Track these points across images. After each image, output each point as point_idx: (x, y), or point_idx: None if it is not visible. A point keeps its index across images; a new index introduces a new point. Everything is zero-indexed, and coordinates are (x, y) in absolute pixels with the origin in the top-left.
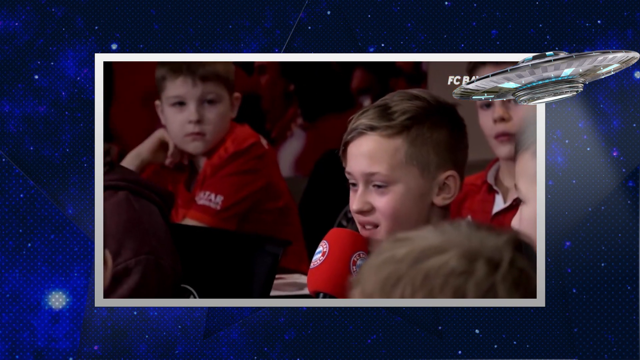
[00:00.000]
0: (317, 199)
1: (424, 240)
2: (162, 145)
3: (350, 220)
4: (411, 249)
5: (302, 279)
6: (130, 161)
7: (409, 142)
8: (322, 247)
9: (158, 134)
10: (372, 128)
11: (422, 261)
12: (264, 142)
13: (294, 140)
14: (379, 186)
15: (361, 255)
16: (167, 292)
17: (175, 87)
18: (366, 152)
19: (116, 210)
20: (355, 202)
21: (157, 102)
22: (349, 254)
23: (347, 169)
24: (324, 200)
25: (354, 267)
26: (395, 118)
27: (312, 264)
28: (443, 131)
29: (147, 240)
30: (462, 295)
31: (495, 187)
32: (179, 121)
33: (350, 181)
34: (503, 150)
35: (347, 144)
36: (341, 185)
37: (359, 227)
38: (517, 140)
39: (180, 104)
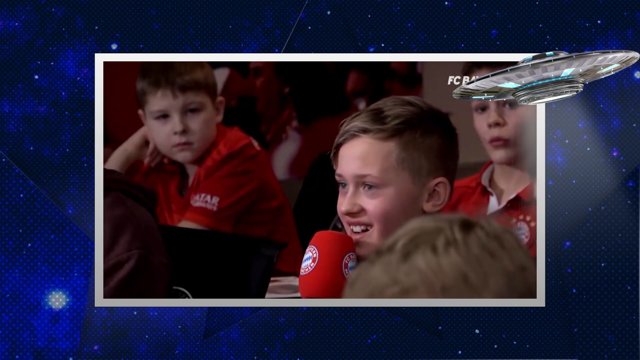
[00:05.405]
0: (313, 201)
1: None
2: (148, 141)
3: None
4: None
5: (296, 281)
6: (116, 157)
7: (401, 147)
8: (311, 252)
9: (143, 130)
10: (364, 130)
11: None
12: (255, 143)
13: (289, 142)
14: (369, 187)
15: (351, 256)
16: (158, 289)
17: (156, 101)
18: (358, 154)
19: (110, 209)
20: (344, 204)
21: (140, 112)
22: (339, 257)
23: (338, 170)
24: (319, 203)
25: (346, 269)
26: (388, 122)
27: (302, 270)
28: (435, 138)
29: (140, 235)
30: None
31: (489, 189)
32: (165, 133)
33: (340, 182)
34: (497, 154)
35: (339, 146)
36: (336, 188)
37: (347, 229)
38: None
39: (164, 116)
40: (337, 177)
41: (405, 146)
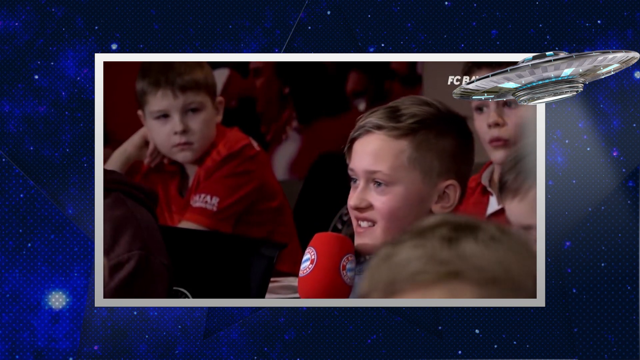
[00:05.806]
0: (313, 202)
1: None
2: (147, 142)
3: (346, 224)
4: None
5: (296, 281)
6: (116, 158)
7: (414, 146)
8: (310, 254)
9: (143, 131)
10: (379, 127)
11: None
12: (254, 143)
13: (289, 143)
14: (379, 184)
15: (349, 258)
16: (159, 290)
17: (156, 101)
18: (371, 150)
19: (110, 209)
20: (353, 198)
21: (139, 112)
22: (337, 258)
23: (351, 165)
24: (319, 204)
25: (344, 271)
26: (403, 120)
27: (301, 272)
28: (449, 140)
29: (140, 236)
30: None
31: (489, 189)
32: (165, 133)
33: (352, 177)
34: (497, 154)
35: (353, 140)
36: (336, 189)
37: (354, 223)
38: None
39: (164, 116)
40: (349, 172)
41: (418, 146)
